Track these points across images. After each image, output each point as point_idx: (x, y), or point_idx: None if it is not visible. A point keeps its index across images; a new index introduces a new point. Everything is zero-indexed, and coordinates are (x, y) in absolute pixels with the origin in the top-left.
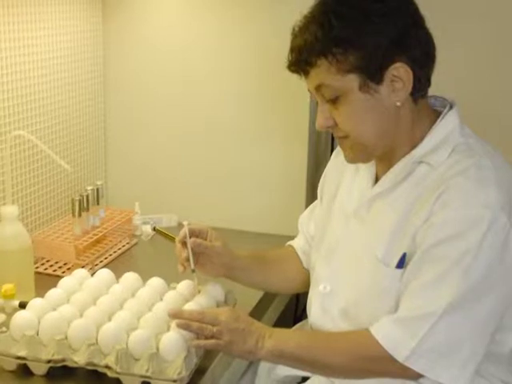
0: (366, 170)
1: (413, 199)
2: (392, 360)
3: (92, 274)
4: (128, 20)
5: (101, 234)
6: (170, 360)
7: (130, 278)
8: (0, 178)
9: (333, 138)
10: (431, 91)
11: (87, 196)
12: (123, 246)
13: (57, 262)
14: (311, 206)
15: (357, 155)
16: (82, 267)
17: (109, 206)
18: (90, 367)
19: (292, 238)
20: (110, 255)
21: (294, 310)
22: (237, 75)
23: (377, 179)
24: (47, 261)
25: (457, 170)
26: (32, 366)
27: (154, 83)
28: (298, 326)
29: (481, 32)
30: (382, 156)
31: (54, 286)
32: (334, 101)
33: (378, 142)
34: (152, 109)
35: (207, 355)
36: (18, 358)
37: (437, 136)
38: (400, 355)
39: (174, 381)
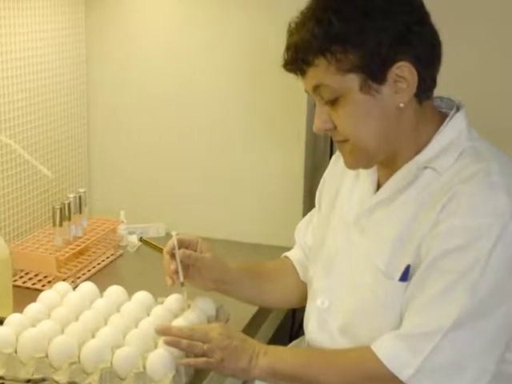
0: (367, 176)
1: (417, 207)
2: (395, 379)
3: (74, 288)
4: (112, 16)
5: (83, 245)
6: (157, 379)
7: (115, 291)
8: None
9: (332, 142)
10: (437, 92)
11: (69, 204)
12: (107, 257)
13: (36, 275)
14: (309, 214)
15: (357, 160)
16: (64, 280)
17: (92, 215)
18: None
19: (288, 248)
20: (94, 267)
21: (289, 327)
22: (229, 74)
23: (379, 186)
24: (26, 273)
25: (464, 176)
26: None
27: (140, 83)
28: (294, 343)
29: (489, 30)
30: (384, 161)
31: (34, 300)
32: (333, 102)
33: (379, 146)
34: (138, 111)
35: (197, 374)
36: None
37: (443, 140)
38: (403, 374)
39: None
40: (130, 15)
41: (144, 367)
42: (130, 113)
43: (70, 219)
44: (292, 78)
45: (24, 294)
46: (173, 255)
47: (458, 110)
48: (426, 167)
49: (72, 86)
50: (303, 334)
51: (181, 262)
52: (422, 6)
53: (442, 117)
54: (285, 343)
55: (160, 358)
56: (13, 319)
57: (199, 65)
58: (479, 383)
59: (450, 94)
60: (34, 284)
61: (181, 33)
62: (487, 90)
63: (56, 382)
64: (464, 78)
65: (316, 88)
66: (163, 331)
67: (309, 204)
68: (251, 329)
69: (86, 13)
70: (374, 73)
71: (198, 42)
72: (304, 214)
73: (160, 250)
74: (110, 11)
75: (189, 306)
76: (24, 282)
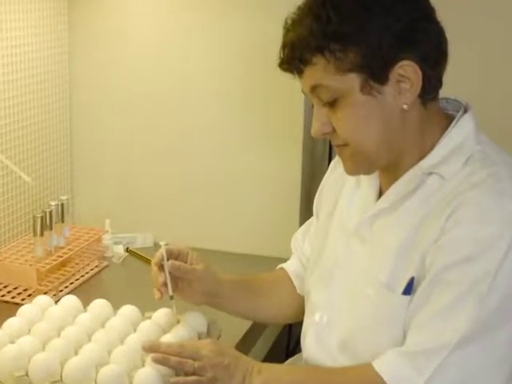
0: (369, 182)
1: (422, 216)
2: None
3: (56, 302)
4: (96, 12)
5: (66, 256)
6: None
7: (100, 305)
8: None
9: (331, 146)
10: (442, 93)
11: (50, 212)
12: (91, 269)
13: (16, 288)
14: (306, 223)
15: (358, 166)
16: (45, 293)
17: (75, 224)
18: None
19: (284, 260)
20: (77, 280)
21: (286, 343)
22: (222, 74)
23: (380, 193)
24: (5, 286)
25: (472, 183)
26: None
27: (127, 84)
28: (290, 360)
29: (492, 28)
30: (387, 167)
31: (13, 314)
32: (332, 104)
33: (381, 151)
34: (125, 113)
35: None
36: None
37: (449, 144)
38: None
39: None
40: (116, 11)
41: None
42: (117, 115)
43: (51, 228)
44: (288, 78)
45: (3, 309)
46: (161, 267)
47: (465, 112)
48: (431, 173)
49: (54, 86)
50: (300, 350)
51: (170, 274)
52: (427, 1)
53: (449, 119)
54: (281, 360)
55: (148, 376)
56: None
57: (190, 65)
58: None
59: (456, 95)
60: (13, 298)
61: (171, 31)
62: (489, 90)
63: None
64: (464, 79)
65: (314, 88)
66: (151, 348)
67: (306, 212)
68: (245, 345)
69: (68, 9)
70: (376, 72)
71: (189, 40)
72: (301, 223)
73: (148, 262)
74: (95, 8)
75: (178, 322)
76: (3, 296)
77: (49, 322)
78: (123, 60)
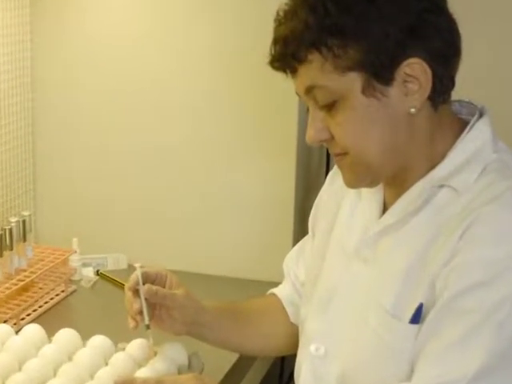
0: (372, 196)
1: (432, 234)
2: None
3: (17, 332)
4: (60, 12)
5: (28, 280)
6: None
7: (67, 336)
8: None
9: (328, 156)
10: (455, 95)
11: (10, 230)
12: (57, 294)
13: None
14: (300, 243)
15: (359, 177)
16: (5, 322)
17: (39, 244)
18: None
19: (276, 284)
20: (41, 307)
21: (278, 378)
22: (204, 75)
23: (385, 208)
24: None
25: (488, 196)
26: None
27: (96, 87)
28: None
29: (505, 27)
30: (392, 178)
31: None
32: (330, 107)
33: (386, 161)
34: (94, 119)
35: None
36: None
37: (463, 152)
38: None
39: None
40: (85, 5)
41: None
42: (85, 121)
43: (11, 248)
44: (280, 78)
45: None
46: (136, 292)
47: (481, 116)
48: (442, 185)
49: (13, 87)
50: None
51: (146, 300)
52: None
53: (462, 124)
54: None
55: None
56: None
57: (170, 64)
58: None
59: (463, 97)
60: None
61: (149, 26)
62: (507, 92)
63: None
64: (480, 78)
65: (309, 90)
66: (124, 383)
67: (300, 230)
68: (231, 381)
69: (30, 8)
70: (380, 71)
71: (169, 36)
72: (295, 243)
73: (121, 286)
74: (58, 8)
75: (155, 354)
76: None
77: (9, 354)
78: (92, 62)
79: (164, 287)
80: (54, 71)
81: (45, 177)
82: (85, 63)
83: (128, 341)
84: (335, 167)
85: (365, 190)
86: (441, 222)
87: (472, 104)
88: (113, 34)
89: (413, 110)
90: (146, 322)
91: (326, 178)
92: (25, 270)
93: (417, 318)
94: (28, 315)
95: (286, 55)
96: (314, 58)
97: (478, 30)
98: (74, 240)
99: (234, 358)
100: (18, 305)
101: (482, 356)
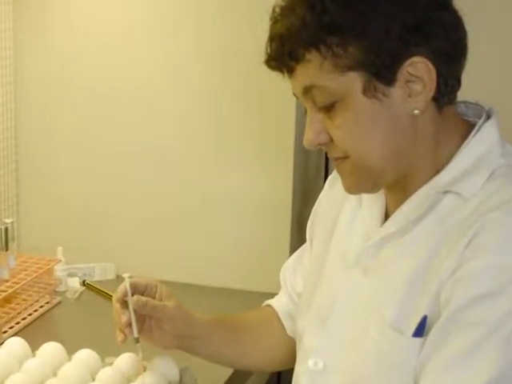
0: (373, 202)
1: (436, 242)
2: None
3: None
4: (45, 3)
5: (11, 291)
6: None
7: (51, 349)
8: None
9: (327, 160)
10: (461, 95)
11: None
12: (41, 306)
13: None
14: (298, 251)
15: (360, 183)
16: None
17: (22, 253)
18: None
19: (272, 295)
20: (24, 319)
21: None
22: (195, 75)
23: (387, 215)
24: None
25: (496, 203)
26: None
27: (82, 87)
28: None
29: None
30: (394, 184)
31: None
32: (329, 108)
33: (388, 165)
34: (81, 121)
35: None
36: None
37: (469, 156)
38: None
39: None
40: (66, 8)
41: None
42: (71, 125)
43: None
44: (277, 78)
45: None
46: (125, 303)
47: (488, 118)
48: (447, 191)
49: None
50: None
51: (135, 311)
52: None
53: (468, 127)
54: None
55: None
56: None
57: (160, 63)
58: None
59: (470, 98)
60: None
61: (139, 21)
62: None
63: None
64: (487, 78)
65: (307, 90)
66: None
67: (298, 238)
68: None
69: (13, 4)
70: (381, 71)
71: (159, 33)
72: (292, 252)
73: (108, 297)
74: (42, 2)
75: (145, 369)
76: None
77: None
78: (79, 60)
79: (154, 298)
80: (38, 69)
81: (28, 182)
82: (70, 61)
83: (116, 355)
84: (334, 172)
85: (366, 196)
86: (446, 229)
87: (479, 105)
88: (99, 29)
89: (416, 111)
90: (135, 335)
91: (324, 182)
92: (7, 281)
93: (420, 330)
94: (11, 328)
95: (283, 54)
96: (312, 56)
97: (485, 26)
98: (59, 249)
99: (227, 373)
100: (0, 317)
101: (489, 370)
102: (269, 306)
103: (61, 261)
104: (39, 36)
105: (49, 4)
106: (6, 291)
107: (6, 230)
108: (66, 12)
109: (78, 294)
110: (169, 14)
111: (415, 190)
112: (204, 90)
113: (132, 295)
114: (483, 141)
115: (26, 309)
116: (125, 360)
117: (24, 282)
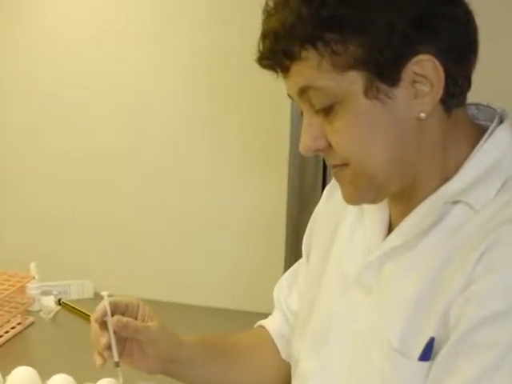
0: (375, 214)
1: (445, 257)
2: None
3: None
4: (18, 3)
5: None
6: None
7: (24, 374)
8: None
9: (325, 167)
10: (471, 97)
11: None
12: (13, 327)
13: None
14: (293, 267)
15: (361, 192)
16: None
17: None
18: None
19: (265, 315)
20: None
21: None
22: (181, 75)
23: (390, 228)
24: None
25: (509, 215)
26: None
27: (56, 91)
28: None
29: None
30: (399, 193)
31: None
32: (328, 111)
33: (391, 173)
34: (56, 129)
35: None
36: None
37: (480, 163)
38: None
39: None
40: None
41: None
42: (45, 133)
43: None
44: (270, 78)
45: None
46: (104, 324)
47: (501, 121)
48: (456, 202)
49: None
50: None
51: (115, 333)
52: None
53: (479, 131)
54: None
55: None
56: None
57: (143, 63)
58: None
59: (481, 99)
60: None
61: (119, 22)
62: None
63: None
64: (500, 79)
65: (304, 91)
66: None
67: (293, 254)
68: None
69: None
70: (384, 70)
71: (141, 32)
72: (286, 268)
73: (86, 317)
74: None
75: None
76: None
77: None
78: (53, 62)
79: (136, 319)
80: (11, 70)
81: None
82: (44, 62)
83: (94, 381)
84: (333, 180)
85: (367, 207)
86: (455, 243)
87: (491, 107)
88: (74, 30)
89: (422, 114)
90: (115, 358)
91: (322, 192)
92: None
93: (427, 354)
94: None
95: (277, 52)
96: (309, 54)
97: (497, 21)
98: (32, 264)
99: None
100: None
101: None
102: (261, 326)
103: (34, 277)
104: (11, 37)
105: (21, 5)
106: None
107: None
108: (38, 13)
109: (52, 313)
110: (160, 13)
111: (421, 200)
112: (195, 94)
113: (112, 315)
114: (495, 146)
115: None
116: None
117: None
